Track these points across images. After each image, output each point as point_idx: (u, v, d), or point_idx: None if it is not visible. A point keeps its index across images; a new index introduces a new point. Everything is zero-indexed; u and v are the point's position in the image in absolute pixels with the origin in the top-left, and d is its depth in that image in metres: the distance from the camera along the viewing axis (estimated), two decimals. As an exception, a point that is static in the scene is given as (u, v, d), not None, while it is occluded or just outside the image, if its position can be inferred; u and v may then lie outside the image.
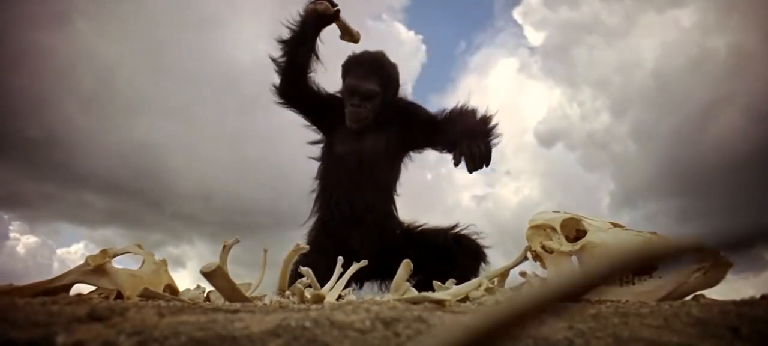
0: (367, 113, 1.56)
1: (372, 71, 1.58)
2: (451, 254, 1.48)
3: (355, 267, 1.03)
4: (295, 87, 1.61)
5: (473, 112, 1.53)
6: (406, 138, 1.64)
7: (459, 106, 1.57)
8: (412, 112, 1.65)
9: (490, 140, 1.40)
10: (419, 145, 1.67)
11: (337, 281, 0.97)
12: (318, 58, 1.59)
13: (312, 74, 1.61)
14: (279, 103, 1.64)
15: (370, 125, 1.58)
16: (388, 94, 1.61)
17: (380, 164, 1.59)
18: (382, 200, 1.61)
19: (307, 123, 1.70)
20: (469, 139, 1.34)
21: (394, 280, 0.86)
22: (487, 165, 1.31)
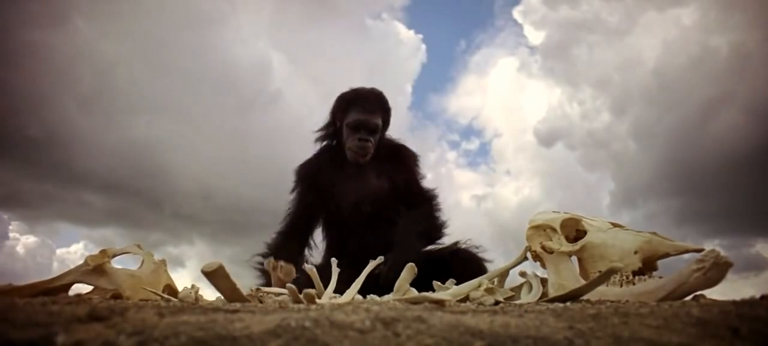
0: (371, 147, 1.57)
1: (377, 106, 1.60)
2: (451, 269, 1.47)
3: (371, 266, 1.03)
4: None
5: (429, 219, 1.56)
6: (399, 178, 1.65)
7: (425, 208, 1.59)
8: (402, 157, 1.67)
9: (420, 250, 1.46)
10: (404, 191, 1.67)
11: (340, 284, 0.97)
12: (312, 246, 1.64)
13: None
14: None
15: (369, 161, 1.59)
16: (384, 130, 1.63)
17: (386, 201, 1.60)
18: (391, 231, 1.61)
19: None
20: (394, 257, 1.38)
21: (397, 282, 0.86)
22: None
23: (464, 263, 1.49)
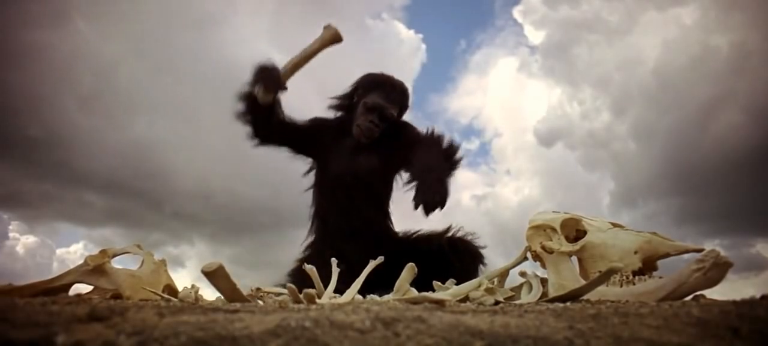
0: (377, 133, 1.59)
1: (399, 98, 1.62)
2: (447, 259, 1.48)
3: (371, 266, 1.03)
4: (267, 131, 1.62)
5: (437, 142, 1.50)
6: (397, 156, 1.64)
7: (427, 132, 1.56)
8: (403, 132, 1.66)
9: (448, 179, 1.38)
10: (404, 165, 1.64)
11: (340, 285, 0.97)
12: (280, 111, 1.60)
13: (281, 117, 1.61)
14: (256, 146, 1.65)
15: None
16: (395, 119, 1.64)
17: (375, 180, 1.62)
18: (378, 216, 1.64)
19: (294, 154, 1.71)
20: (426, 181, 1.32)
21: (397, 282, 0.86)
22: (442, 208, 1.30)
23: (461, 254, 1.49)
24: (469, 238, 1.54)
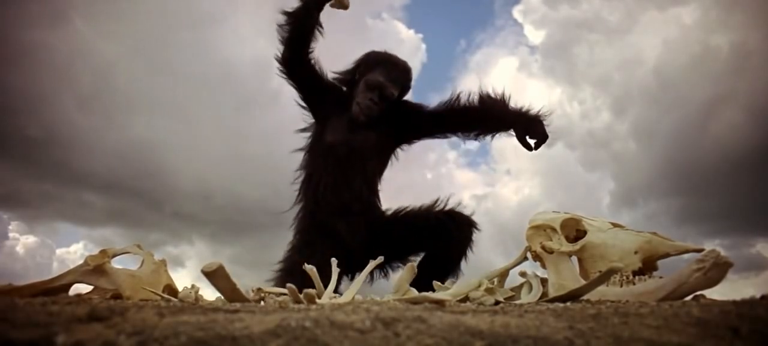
0: (378, 110, 1.58)
1: (401, 78, 1.62)
2: (447, 229, 1.51)
3: (371, 265, 1.03)
4: (297, 58, 1.62)
5: (501, 96, 1.57)
6: (399, 133, 1.67)
7: (470, 95, 1.60)
8: (409, 109, 1.67)
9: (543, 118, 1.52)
10: (414, 139, 1.71)
11: (338, 283, 0.97)
12: (321, 32, 1.60)
13: (313, 51, 1.63)
14: (280, 73, 1.66)
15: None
16: (395, 99, 1.64)
17: (369, 156, 1.62)
18: (368, 191, 1.63)
19: (303, 103, 1.71)
20: (530, 120, 1.51)
21: (396, 281, 0.85)
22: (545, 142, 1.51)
23: (458, 223, 1.53)
24: (458, 208, 1.58)
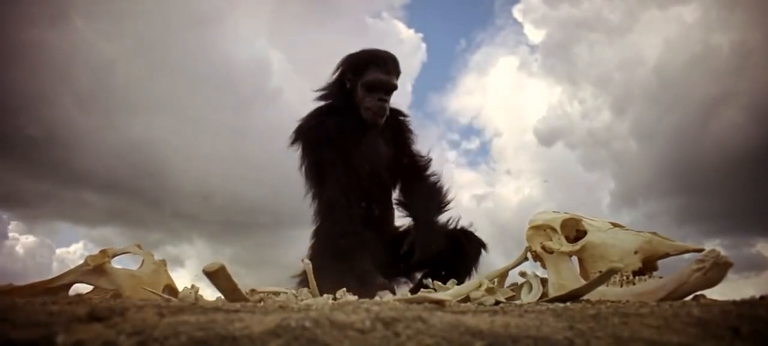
0: (388, 108, 1.55)
1: (394, 68, 1.58)
2: (462, 247, 1.53)
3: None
4: (337, 122, 1.54)
5: (439, 192, 1.59)
6: (398, 141, 1.65)
7: (429, 180, 1.62)
8: (401, 124, 1.67)
9: (441, 234, 1.50)
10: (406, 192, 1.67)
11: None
12: None
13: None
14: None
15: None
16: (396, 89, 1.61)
17: (391, 171, 1.60)
18: (390, 208, 1.62)
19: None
20: (425, 234, 1.48)
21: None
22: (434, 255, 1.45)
23: (472, 242, 1.55)
24: (471, 228, 1.59)
